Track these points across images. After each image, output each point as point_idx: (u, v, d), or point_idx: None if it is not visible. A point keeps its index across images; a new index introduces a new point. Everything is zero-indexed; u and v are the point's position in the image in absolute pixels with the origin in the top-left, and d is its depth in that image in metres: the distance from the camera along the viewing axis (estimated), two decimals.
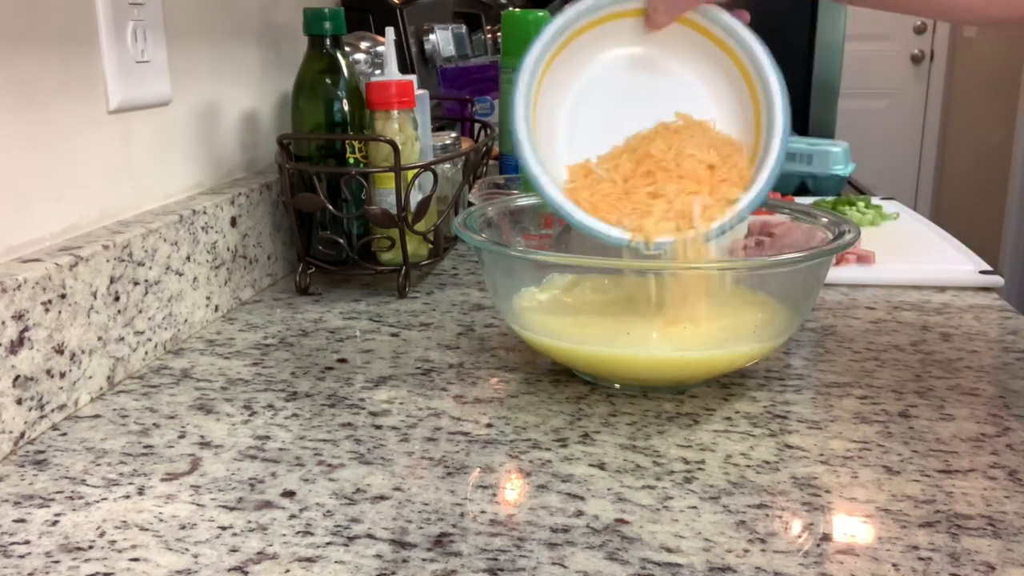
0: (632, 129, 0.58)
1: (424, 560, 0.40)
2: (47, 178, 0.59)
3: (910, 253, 0.89)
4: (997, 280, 0.80)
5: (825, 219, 0.62)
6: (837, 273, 0.81)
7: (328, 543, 0.42)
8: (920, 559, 0.40)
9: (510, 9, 1.03)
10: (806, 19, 2.03)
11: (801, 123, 1.95)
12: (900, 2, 0.68)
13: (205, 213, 0.70)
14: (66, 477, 0.48)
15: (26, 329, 0.51)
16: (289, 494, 0.46)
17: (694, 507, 0.45)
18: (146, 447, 0.51)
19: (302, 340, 0.68)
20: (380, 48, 0.96)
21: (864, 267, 0.83)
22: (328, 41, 0.77)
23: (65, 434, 0.53)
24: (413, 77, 0.79)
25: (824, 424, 0.54)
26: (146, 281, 0.63)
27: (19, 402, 0.51)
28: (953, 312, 0.74)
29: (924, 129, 3.64)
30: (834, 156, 1.14)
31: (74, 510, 0.45)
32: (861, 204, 1.01)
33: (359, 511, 0.44)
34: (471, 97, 1.24)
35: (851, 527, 0.43)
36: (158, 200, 0.71)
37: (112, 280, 0.59)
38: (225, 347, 0.67)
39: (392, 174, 0.75)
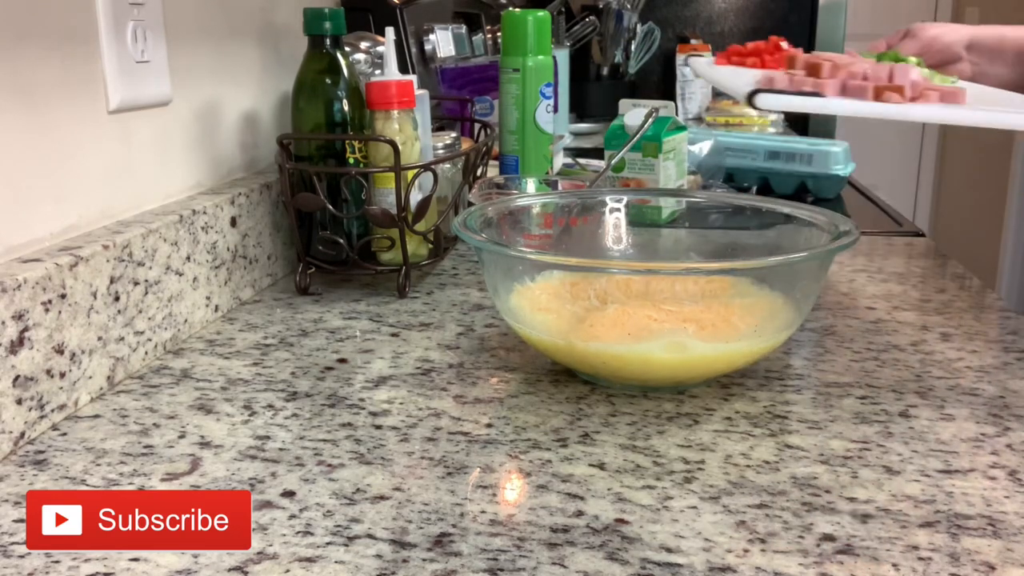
0: None
1: (424, 560, 0.40)
2: (47, 178, 0.59)
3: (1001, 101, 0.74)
4: None
5: (823, 218, 0.62)
6: (913, 110, 0.64)
7: (328, 543, 0.42)
8: (920, 559, 0.40)
9: (510, 9, 1.03)
10: (806, 19, 2.03)
11: (801, 123, 1.95)
12: None
13: (205, 213, 0.70)
14: (66, 477, 0.48)
15: (26, 329, 0.51)
16: (289, 494, 0.46)
17: (694, 507, 0.45)
18: (146, 447, 0.51)
19: (302, 340, 0.68)
20: (380, 48, 0.96)
21: (951, 107, 0.67)
22: (328, 41, 0.77)
23: (65, 434, 0.53)
24: (413, 77, 0.79)
25: (824, 424, 0.54)
26: (146, 281, 0.63)
27: (19, 402, 0.51)
28: (953, 312, 0.74)
29: (924, 129, 3.64)
30: (834, 156, 1.14)
31: None
32: (913, 60, 0.85)
33: (359, 511, 0.44)
34: (471, 97, 1.24)
35: (851, 527, 0.43)
36: (158, 200, 0.71)
37: (112, 280, 0.59)
38: (225, 347, 0.67)
39: (392, 174, 0.74)
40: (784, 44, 0.86)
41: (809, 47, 1.99)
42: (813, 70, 0.64)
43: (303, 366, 0.63)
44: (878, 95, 0.59)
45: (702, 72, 0.77)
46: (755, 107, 0.59)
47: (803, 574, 0.39)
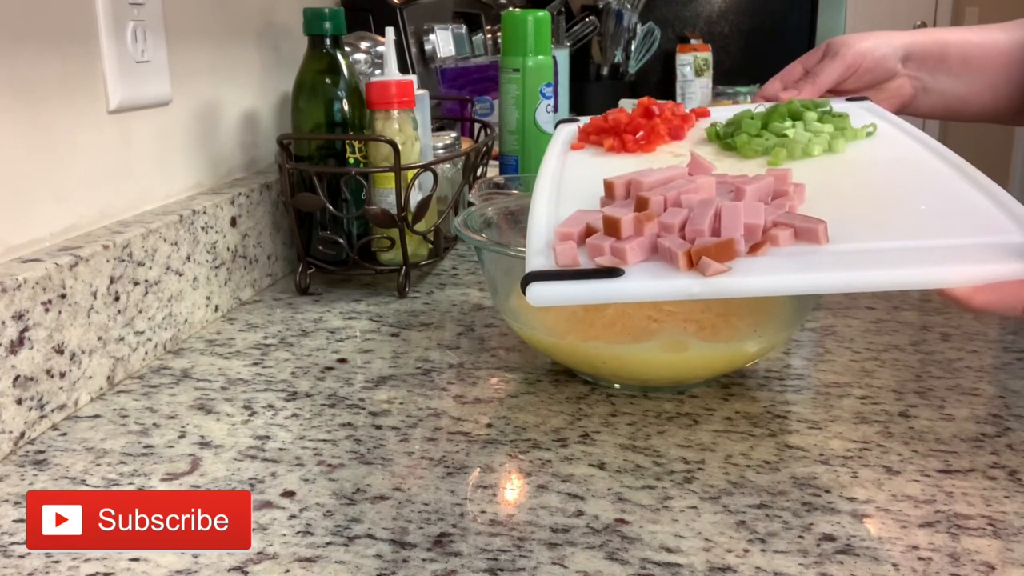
0: None
1: (424, 560, 0.40)
2: (47, 178, 0.59)
3: (900, 209, 0.47)
4: None
5: None
6: (732, 284, 0.41)
7: (328, 543, 0.42)
8: (920, 559, 0.40)
9: (510, 9, 1.03)
10: (806, 19, 2.03)
11: None
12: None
13: (205, 213, 0.70)
14: (66, 477, 0.48)
15: (26, 329, 0.51)
16: (289, 494, 0.46)
17: (694, 507, 0.45)
18: (146, 447, 0.51)
19: (302, 340, 0.68)
20: (380, 48, 0.96)
21: (801, 252, 0.42)
22: (328, 41, 0.77)
23: (65, 434, 0.53)
24: (413, 77, 0.79)
25: (824, 424, 0.54)
26: (146, 281, 0.63)
27: (19, 402, 0.51)
28: (953, 312, 0.74)
29: (924, 129, 3.63)
30: None
31: None
32: (812, 115, 0.60)
33: (359, 511, 0.44)
34: (471, 97, 1.24)
35: (851, 527, 0.43)
36: (158, 200, 0.71)
37: (112, 280, 0.59)
38: (225, 347, 0.67)
39: (392, 174, 0.74)
40: (655, 108, 0.63)
41: (809, 46, 1.99)
42: (638, 205, 0.45)
43: (303, 366, 0.63)
44: (692, 262, 0.41)
45: (541, 170, 0.57)
46: (529, 303, 0.42)
47: (803, 574, 0.39)
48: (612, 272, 0.42)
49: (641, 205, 0.44)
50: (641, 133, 0.60)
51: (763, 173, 0.49)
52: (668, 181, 0.48)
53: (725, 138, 0.59)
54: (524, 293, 0.42)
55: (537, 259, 0.44)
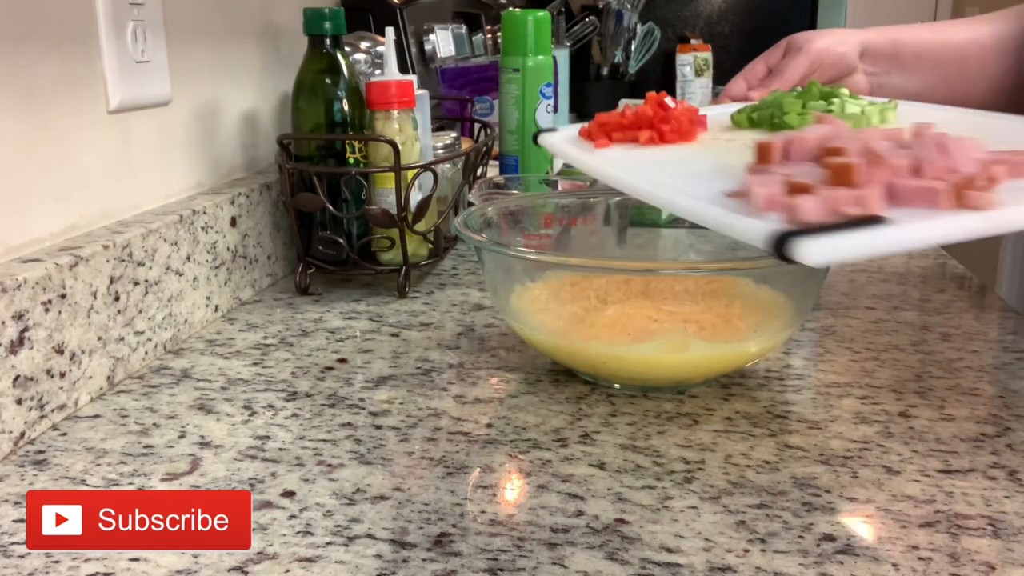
0: None
1: (424, 560, 0.40)
2: (47, 178, 0.59)
3: None
4: None
5: None
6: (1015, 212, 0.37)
7: (328, 543, 0.42)
8: (920, 559, 0.40)
9: (510, 9, 1.03)
10: (806, 19, 2.03)
11: None
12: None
13: (205, 213, 0.70)
14: (66, 477, 0.48)
15: (26, 329, 0.51)
16: (289, 494, 0.46)
17: (694, 507, 0.45)
18: (146, 447, 0.51)
19: (302, 340, 0.68)
20: (380, 48, 0.96)
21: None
22: (328, 41, 0.77)
23: (65, 434, 0.53)
24: (413, 77, 0.79)
25: (824, 424, 0.54)
26: (146, 281, 0.63)
27: (19, 402, 0.51)
28: (953, 312, 0.74)
29: None
30: None
31: None
32: (845, 91, 0.63)
33: (359, 511, 0.44)
34: (471, 97, 1.24)
35: (851, 527, 0.43)
36: (158, 200, 0.71)
37: (112, 280, 0.59)
38: (225, 347, 0.67)
39: (392, 174, 0.74)
40: (669, 100, 0.61)
41: None
42: (821, 155, 0.42)
43: (303, 366, 0.63)
44: (960, 198, 0.36)
45: (597, 172, 0.54)
46: (802, 262, 0.35)
47: (803, 574, 0.39)
48: (874, 220, 0.35)
49: (872, 156, 0.40)
50: (673, 123, 0.58)
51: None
52: (833, 138, 0.44)
53: (761, 123, 0.58)
54: (784, 257, 0.35)
55: (757, 223, 0.37)
